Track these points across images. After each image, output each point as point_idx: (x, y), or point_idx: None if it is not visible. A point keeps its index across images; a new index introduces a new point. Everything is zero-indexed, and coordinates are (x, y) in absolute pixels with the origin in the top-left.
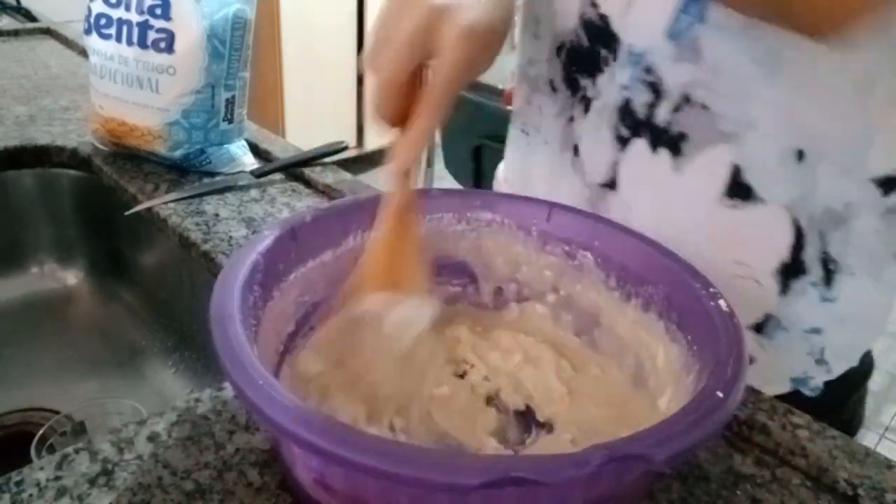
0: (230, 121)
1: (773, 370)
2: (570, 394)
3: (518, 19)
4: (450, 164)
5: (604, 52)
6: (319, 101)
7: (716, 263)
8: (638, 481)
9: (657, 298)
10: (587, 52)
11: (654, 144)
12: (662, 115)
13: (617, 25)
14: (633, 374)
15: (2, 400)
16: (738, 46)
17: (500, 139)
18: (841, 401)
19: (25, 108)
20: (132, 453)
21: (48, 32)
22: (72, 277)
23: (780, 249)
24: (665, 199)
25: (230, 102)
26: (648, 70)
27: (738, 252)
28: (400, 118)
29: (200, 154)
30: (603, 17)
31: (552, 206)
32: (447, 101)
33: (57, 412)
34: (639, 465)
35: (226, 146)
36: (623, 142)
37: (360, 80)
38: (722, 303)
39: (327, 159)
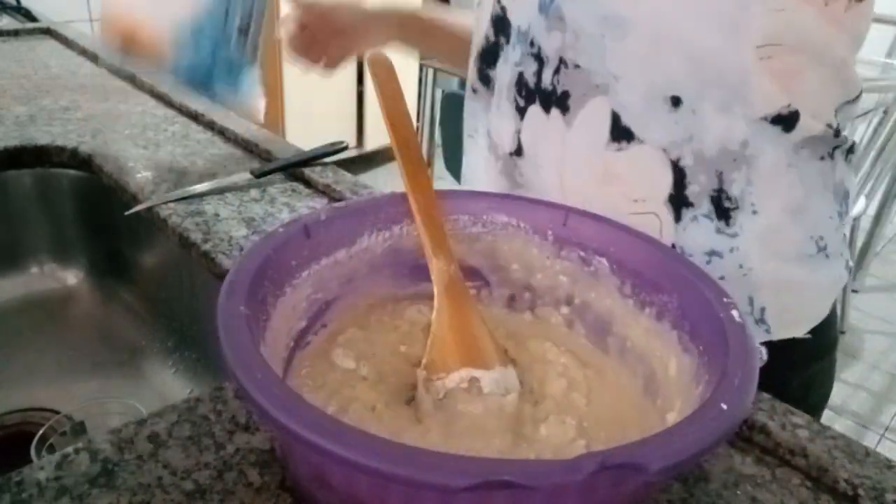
0: (242, 53)
1: None
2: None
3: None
4: (449, 165)
5: (502, 40)
6: (319, 101)
7: (617, 205)
8: (639, 490)
9: (671, 307)
10: (492, 46)
11: (546, 106)
12: (547, 79)
13: (510, 12)
14: (645, 384)
15: (2, 400)
16: (589, 11)
17: None
18: (789, 374)
19: (25, 108)
20: (132, 453)
21: (48, 32)
22: (72, 277)
23: (664, 185)
24: (562, 152)
25: (243, 32)
26: (532, 43)
27: (632, 191)
28: None
29: (207, 76)
30: (503, 9)
31: (569, 210)
32: None
33: (57, 412)
34: (632, 474)
35: (235, 77)
36: (521, 111)
37: (360, 80)
38: (734, 313)
39: (327, 159)
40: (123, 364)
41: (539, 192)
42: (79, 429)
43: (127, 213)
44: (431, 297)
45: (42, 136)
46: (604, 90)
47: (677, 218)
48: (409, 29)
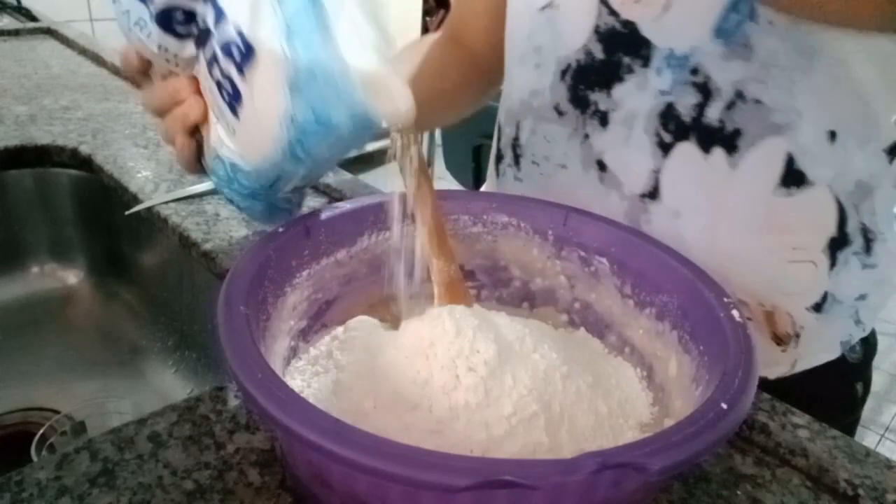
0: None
1: (825, 339)
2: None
3: (508, 58)
4: (450, 164)
5: (626, 60)
6: None
7: (774, 252)
8: (639, 490)
9: (672, 307)
10: (600, 65)
11: (706, 145)
12: (714, 114)
13: (648, 30)
14: (645, 385)
15: (2, 399)
16: (784, 41)
17: None
18: (867, 361)
19: (26, 108)
20: (132, 453)
21: (49, 32)
22: (72, 277)
23: (829, 226)
24: (719, 198)
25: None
26: (695, 71)
27: (794, 238)
28: None
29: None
30: (627, 24)
31: (569, 210)
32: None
33: (57, 412)
34: (633, 474)
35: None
36: (665, 147)
37: None
38: (735, 313)
39: None
40: (124, 364)
41: (671, 241)
42: (79, 428)
43: (127, 212)
44: (432, 297)
45: (42, 135)
46: (783, 130)
47: (832, 263)
48: None
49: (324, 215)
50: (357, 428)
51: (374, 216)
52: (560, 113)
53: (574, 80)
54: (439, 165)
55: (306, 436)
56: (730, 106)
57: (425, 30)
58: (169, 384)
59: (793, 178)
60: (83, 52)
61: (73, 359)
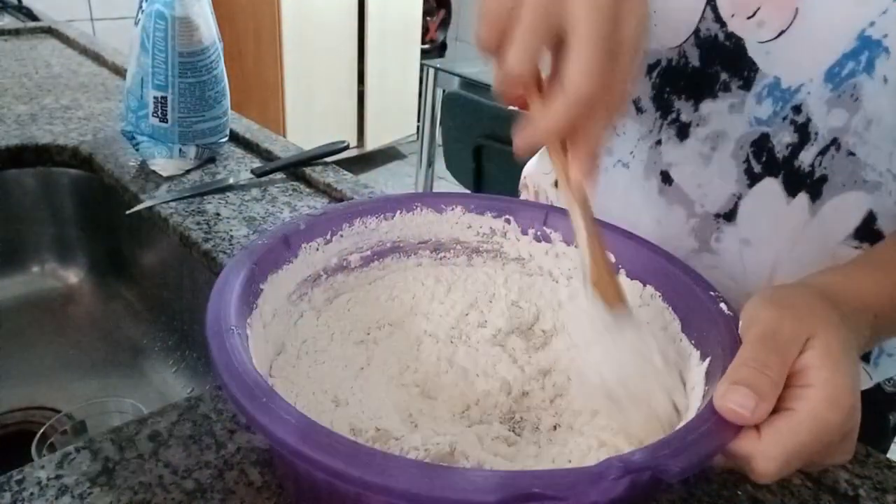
0: (162, 119)
1: (863, 374)
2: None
3: None
4: (450, 164)
5: (724, 76)
6: (320, 100)
7: None
8: (648, 488)
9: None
10: (692, 72)
11: (792, 188)
12: (807, 158)
13: (756, 53)
14: None
15: (3, 399)
16: (894, 101)
17: (500, 139)
18: None
19: (27, 107)
20: (133, 452)
21: (49, 31)
22: (73, 276)
23: None
24: (792, 240)
25: (160, 102)
26: (797, 109)
27: None
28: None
29: (132, 137)
30: (732, 38)
31: (549, 208)
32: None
33: (58, 411)
34: (654, 477)
35: (160, 143)
36: (753, 177)
37: (360, 80)
38: (723, 306)
39: (328, 159)
40: (124, 363)
41: (733, 264)
42: (79, 428)
43: (128, 212)
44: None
45: (43, 135)
46: (871, 188)
47: None
48: None
49: (302, 224)
50: (374, 448)
51: (352, 223)
52: (639, 110)
53: (661, 79)
54: (439, 165)
55: (322, 461)
56: (823, 151)
57: (425, 30)
58: (169, 383)
59: (868, 234)
60: (84, 51)
61: (73, 358)
